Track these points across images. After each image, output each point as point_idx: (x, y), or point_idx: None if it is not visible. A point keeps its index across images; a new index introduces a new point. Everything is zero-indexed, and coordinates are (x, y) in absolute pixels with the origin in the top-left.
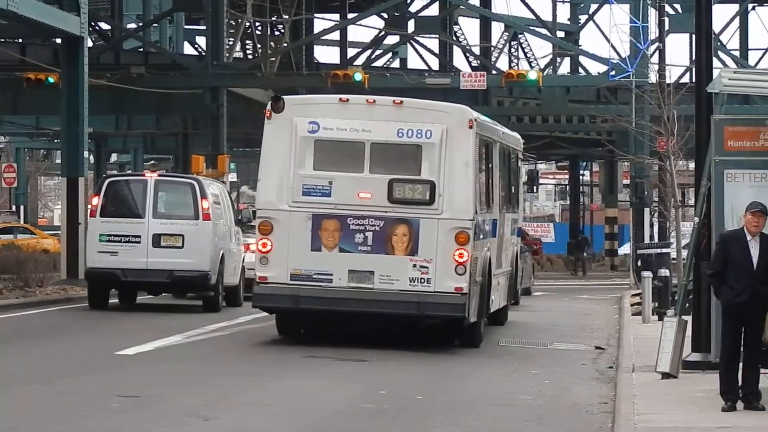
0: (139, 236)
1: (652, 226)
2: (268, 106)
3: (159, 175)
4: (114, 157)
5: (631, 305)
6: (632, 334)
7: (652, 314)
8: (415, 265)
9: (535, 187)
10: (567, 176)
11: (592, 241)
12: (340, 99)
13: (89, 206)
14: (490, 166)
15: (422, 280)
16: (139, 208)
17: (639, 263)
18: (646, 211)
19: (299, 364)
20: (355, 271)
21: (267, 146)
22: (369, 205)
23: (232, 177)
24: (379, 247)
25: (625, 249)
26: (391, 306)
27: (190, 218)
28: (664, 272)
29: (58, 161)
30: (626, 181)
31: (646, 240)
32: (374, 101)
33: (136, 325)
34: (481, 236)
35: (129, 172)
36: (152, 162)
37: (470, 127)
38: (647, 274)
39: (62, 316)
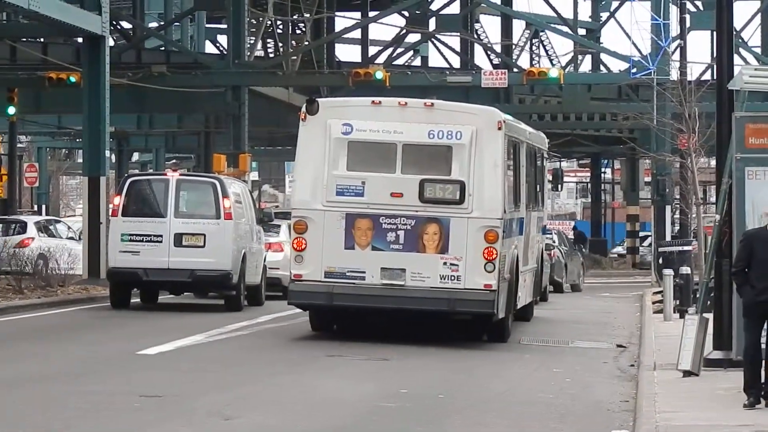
0: (161, 236)
1: (673, 224)
2: (303, 109)
3: (181, 174)
4: (136, 156)
5: (653, 303)
6: (654, 332)
7: (674, 312)
8: (445, 263)
9: (559, 186)
10: (588, 174)
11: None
12: (373, 101)
13: (111, 206)
14: (517, 165)
15: (452, 278)
16: (161, 207)
17: (660, 261)
18: (668, 208)
19: (321, 363)
20: (388, 268)
21: (302, 147)
22: (401, 204)
23: (254, 176)
24: (411, 245)
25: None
26: (423, 303)
27: (211, 217)
28: (685, 270)
29: (80, 161)
30: (647, 179)
31: (668, 237)
32: (406, 103)
33: (157, 325)
34: (509, 234)
35: (150, 171)
36: (174, 161)
37: (499, 128)
38: (668, 271)
39: (84, 315)
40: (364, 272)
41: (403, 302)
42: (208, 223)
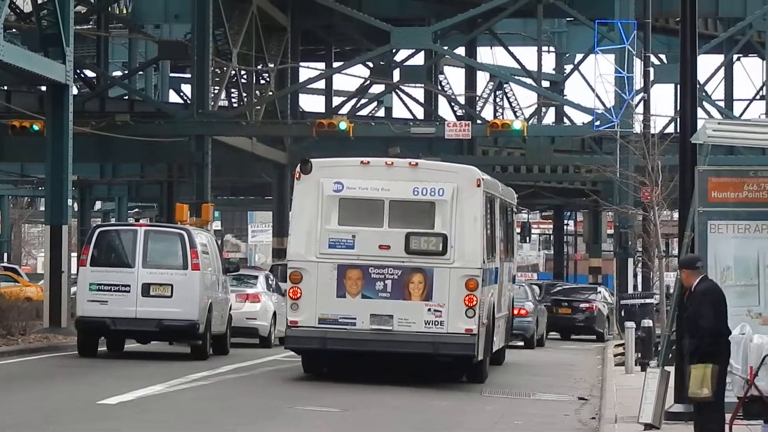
0: (129, 285)
1: (635, 276)
2: (298, 168)
3: (148, 225)
4: (98, 205)
5: (615, 355)
6: (615, 385)
7: (635, 365)
8: (429, 309)
9: (527, 238)
10: (551, 226)
11: None
12: (362, 162)
13: (83, 255)
14: (492, 219)
15: (436, 323)
16: (129, 257)
17: (622, 313)
18: (630, 261)
19: (282, 414)
20: (377, 315)
21: (297, 204)
22: (388, 256)
23: (216, 225)
24: (398, 293)
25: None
26: (409, 346)
27: (178, 268)
28: (647, 322)
29: (42, 209)
30: (610, 231)
31: (630, 290)
32: (392, 163)
33: (119, 374)
34: (487, 283)
35: (113, 221)
36: (136, 210)
37: (478, 185)
38: (630, 324)
39: (46, 364)
40: (355, 318)
41: (391, 346)
42: (175, 274)
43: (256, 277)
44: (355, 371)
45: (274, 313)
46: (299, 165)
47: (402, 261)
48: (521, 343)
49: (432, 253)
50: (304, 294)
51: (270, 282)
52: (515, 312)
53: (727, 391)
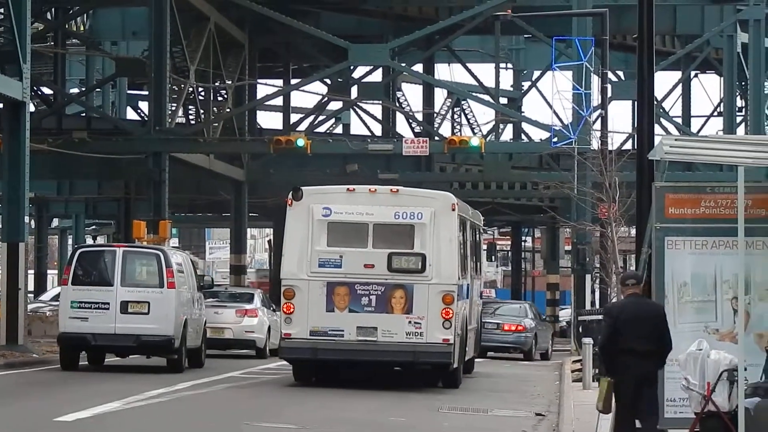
0: (108, 303)
1: (593, 292)
2: (290, 196)
3: (127, 246)
4: (56, 222)
5: (572, 371)
6: (572, 401)
7: (593, 380)
8: (410, 322)
9: (493, 257)
10: (509, 242)
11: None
12: (348, 189)
13: (64, 275)
14: (464, 240)
15: (416, 334)
16: (108, 276)
17: (580, 329)
18: (588, 277)
19: None
20: (362, 327)
21: (289, 227)
22: (372, 273)
23: (174, 242)
24: (381, 307)
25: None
26: (392, 355)
27: (155, 286)
28: None
29: None
30: (568, 248)
31: (588, 306)
32: (375, 190)
33: (80, 390)
34: (461, 298)
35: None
36: (93, 227)
37: (453, 209)
38: (588, 340)
39: (2, 382)
40: (342, 330)
41: (376, 355)
42: (152, 292)
43: (252, 295)
44: (340, 380)
45: (269, 327)
46: (291, 192)
47: (385, 278)
48: (521, 356)
49: (412, 270)
50: (297, 309)
51: (264, 299)
52: (513, 328)
53: (684, 407)
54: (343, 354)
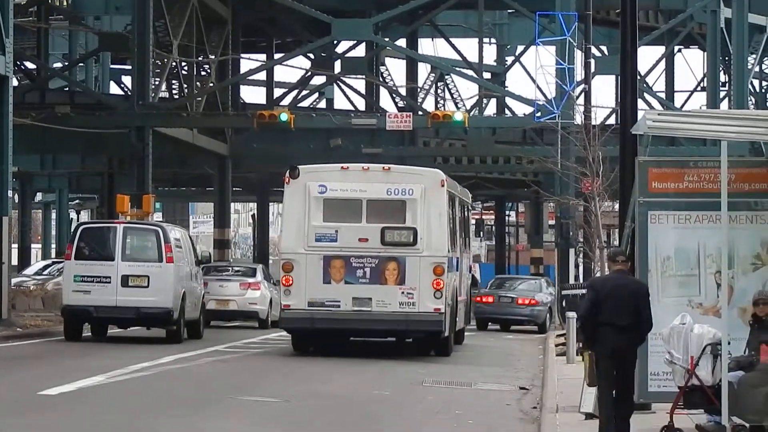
0: (109, 277)
1: (577, 266)
2: (287, 174)
3: (127, 223)
4: (39, 197)
5: (556, 345)
6: (556, 375)
7: (577, 354)
8: (403, 292)
9: (481, 232)
10: (493, 217)
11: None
12: (342, 167)
13: (67, 250)
14: (453, 215)
15: (409, 304)
16: (110, 251)
17: (564, 304)
18: (571, 251)
19: (223, 405)
20: (358, 298)
21: (287, 204)
22: (367, 247)
23: (158, 216)
24: (375, 279)
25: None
26: (386, 324)
27: (154, 261)
28: None
29: None
30: (552, 222)
31: (571, 281)
32: (368, 168)
33: (65, 364)
34: (451, 270)
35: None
36: (77, 202)
37: (442, 186)
38: (572, 314)
39: None
40: (339, 301)
41: (371, 324)
42: (151, 266)
43: (255, 269)
44: (335, 350)
45: (271, 300)
46: (288, 171)
47: (378, 251)
48: (535, 328)
49: (404, 244)
50: (295, 281)
51: (266, 273)
52: (527, 302)
53: (668, 381)
54: (339, 323)
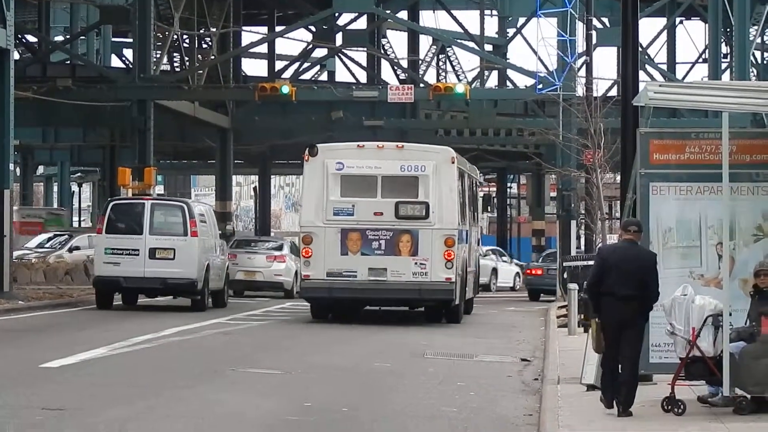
0: (138, 250)
1: (578, 238)
2: (306, 152)
3: (154, 199)
4: (41, 170)
5: (557, 317)
6: (558, 346)
7: (578, 326)
8: (416, 263)
9: (489, 207)
10: (495, 189)
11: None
12: (358, 145)
13: (98, 225)
14: (463, 190)
15: (422, 274)
16: (138, 226)
17: (565, 275)
18: (573, 223)
19: (224, 376)
20: (373, 268)
21: (306, 180)
22: (382, 220)
23: (159, 189)
24: (390, 250)
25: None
26: (400, 293)
27: (180, 235)
28: None
29: None
30: (553, 194)
31: (573, 252)
32: (383, 146)
33: (68, 337)
34: (461, 242)
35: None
36: (79, 175)
37: (453, 162)
38: (573, 286)
39: None
40: (355, 272)
41: (386, 293)
42: (177, 240)
43: (282, 243)
44: (347, 319)
45: (296, 272)
46: (307, 149)
47: (393, 224)
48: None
49: (417, 217)
50: (315, 253)
51: (292, 246)
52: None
53: (669, 352)
54: (356, 293)
